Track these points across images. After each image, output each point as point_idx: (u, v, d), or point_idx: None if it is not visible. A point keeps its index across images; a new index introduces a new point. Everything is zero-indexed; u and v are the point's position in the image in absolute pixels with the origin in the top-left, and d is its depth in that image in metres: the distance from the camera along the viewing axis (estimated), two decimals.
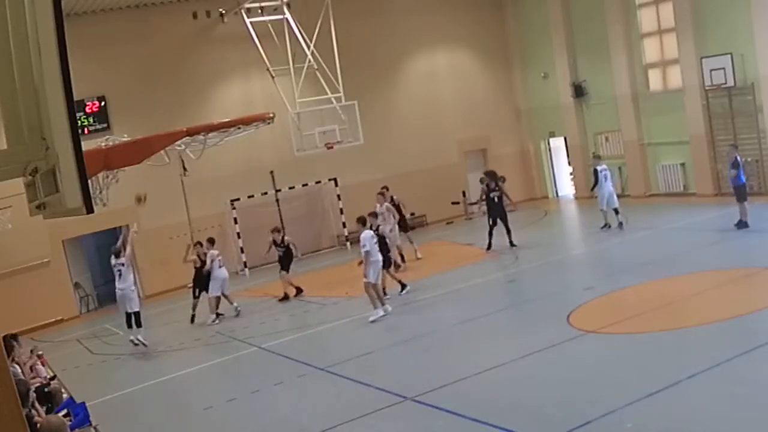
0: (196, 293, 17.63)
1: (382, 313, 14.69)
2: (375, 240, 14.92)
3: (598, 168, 20.00)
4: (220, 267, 17.41)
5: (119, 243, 16.46)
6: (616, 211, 19.72)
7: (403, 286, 16.66)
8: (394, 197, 20.36)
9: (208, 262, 17.40)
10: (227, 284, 17.63)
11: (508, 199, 19.82)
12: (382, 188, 20.44)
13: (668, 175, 23.72)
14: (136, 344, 15.81)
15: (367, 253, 14.62)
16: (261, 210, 23.60)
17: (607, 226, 19.85)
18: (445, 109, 27.06)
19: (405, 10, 26.38)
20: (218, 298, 17.51)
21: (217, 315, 17.39)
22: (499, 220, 19.39)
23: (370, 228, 15.48)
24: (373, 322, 14.57)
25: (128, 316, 15.86)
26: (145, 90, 22.31)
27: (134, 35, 22.35)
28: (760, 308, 11.38)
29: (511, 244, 19.35)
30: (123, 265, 15.77)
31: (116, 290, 16.03)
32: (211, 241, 18.04)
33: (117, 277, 15.92)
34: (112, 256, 16.09)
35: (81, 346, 17.63)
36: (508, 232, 19.38)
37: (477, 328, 13.37)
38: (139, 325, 15.88)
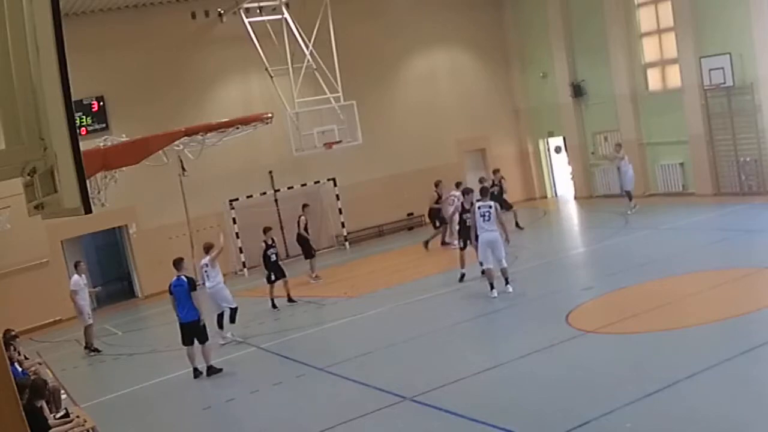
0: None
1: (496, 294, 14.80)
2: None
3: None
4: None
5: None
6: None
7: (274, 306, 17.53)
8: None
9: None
10: None
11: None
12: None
13: (667, 174, 23.70)
14: (229, 341, 15.23)
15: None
16: (260, 210, 23.58)
17: None
18: (444, 109, 27.01)
19: (404, 10, 26.34)
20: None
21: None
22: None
23: None
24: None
25: (219, 315, 15.31)
26: (144, 90, 22.29)
27: (133, 35, 22.31)
28: (760, 308, 11.38)
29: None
30: (207, 265, 15.27)
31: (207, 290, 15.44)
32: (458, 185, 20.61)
33: (205, 278, 15.47)
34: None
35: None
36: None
37: (476, 328, 13.37)
38: (232, 320, 15.43)
